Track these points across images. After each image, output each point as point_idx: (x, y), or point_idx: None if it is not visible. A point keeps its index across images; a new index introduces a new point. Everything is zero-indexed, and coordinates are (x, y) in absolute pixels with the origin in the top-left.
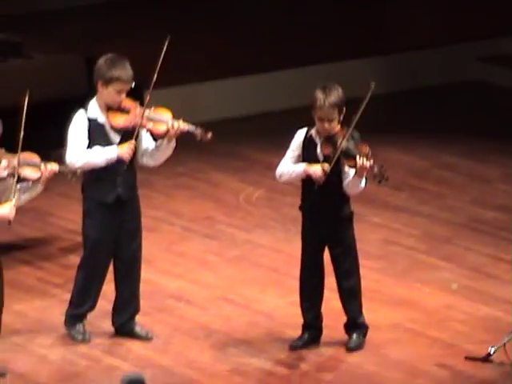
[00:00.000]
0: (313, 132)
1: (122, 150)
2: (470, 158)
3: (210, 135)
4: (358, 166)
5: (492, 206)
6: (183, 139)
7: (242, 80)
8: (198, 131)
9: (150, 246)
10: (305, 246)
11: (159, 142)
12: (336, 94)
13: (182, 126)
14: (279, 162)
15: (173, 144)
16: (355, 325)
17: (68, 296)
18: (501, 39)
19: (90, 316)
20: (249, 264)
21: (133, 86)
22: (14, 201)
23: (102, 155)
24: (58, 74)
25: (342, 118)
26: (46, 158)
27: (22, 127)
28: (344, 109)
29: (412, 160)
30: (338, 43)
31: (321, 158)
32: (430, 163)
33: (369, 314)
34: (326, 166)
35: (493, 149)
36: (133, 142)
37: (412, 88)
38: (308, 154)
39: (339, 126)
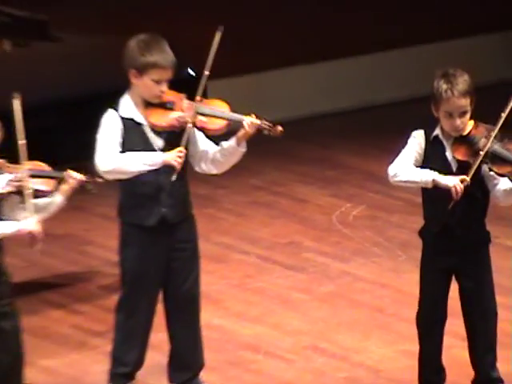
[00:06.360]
0: (438, 132)
1: (170, 156)
2: None
3: (280, 128)
4: None
5: None
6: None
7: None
8: (266, 124)
9: (218, 282)
10: (425, 280)
11: (227, 145)
12: (464, 80)
13: (257, 121)
14: (385, 169)
15: (243, 147)
16: (488, 381)
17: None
18: None
19: (141, 372)
20: (346, 303)
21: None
22: (36, 216)
23: (139, 161)
24: (95, 61)
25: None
26: (79, 170)
27: (20, 132)
28: (474, 99)
29: None
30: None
31: (453, 164)
32: None
33: (503, 365)
34: (464, 178)
35: None
36: (183, 145)
37: None
38: (433, 159)
39: (472, 122)
